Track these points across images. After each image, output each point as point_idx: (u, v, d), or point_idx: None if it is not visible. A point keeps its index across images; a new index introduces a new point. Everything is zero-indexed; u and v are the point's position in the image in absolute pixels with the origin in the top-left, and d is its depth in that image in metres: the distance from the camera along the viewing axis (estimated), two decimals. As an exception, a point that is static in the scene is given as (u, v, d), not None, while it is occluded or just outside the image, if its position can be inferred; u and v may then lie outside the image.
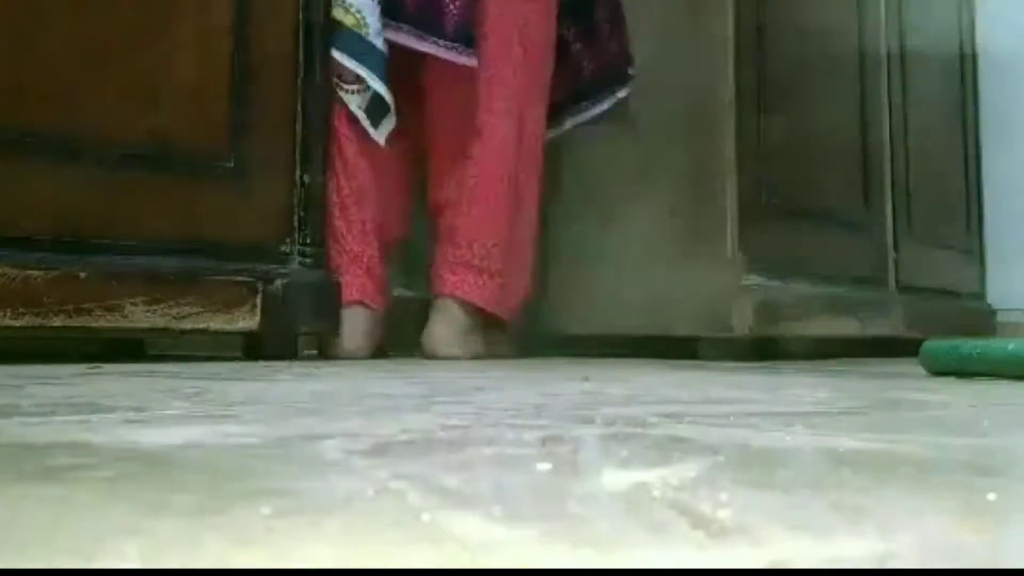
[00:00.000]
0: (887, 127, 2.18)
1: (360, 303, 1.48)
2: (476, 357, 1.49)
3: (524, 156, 1.57)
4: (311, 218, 1.37)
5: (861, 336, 1.94)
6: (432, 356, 1.48)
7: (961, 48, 2.56)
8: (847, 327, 1.89)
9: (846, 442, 0.46)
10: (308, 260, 1.36)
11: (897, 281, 2.13)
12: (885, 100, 2.19)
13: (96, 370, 0.99)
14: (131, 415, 0.55)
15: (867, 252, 2.07)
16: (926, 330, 1.97)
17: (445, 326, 1.50)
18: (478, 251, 1.52)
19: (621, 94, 1.71)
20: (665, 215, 1.68)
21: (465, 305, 1.52)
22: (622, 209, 1.75)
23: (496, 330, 1.58)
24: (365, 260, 1.50)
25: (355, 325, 1.46)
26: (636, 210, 1.73)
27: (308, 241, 1.36)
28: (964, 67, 2.57)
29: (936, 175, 2.38)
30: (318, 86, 1.39)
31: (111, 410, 0.58)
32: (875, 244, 2.10)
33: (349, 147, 1.49)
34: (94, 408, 0.59)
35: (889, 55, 2.23)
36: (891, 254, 2.13)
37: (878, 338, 1.97)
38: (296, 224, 1.36)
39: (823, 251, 1.87)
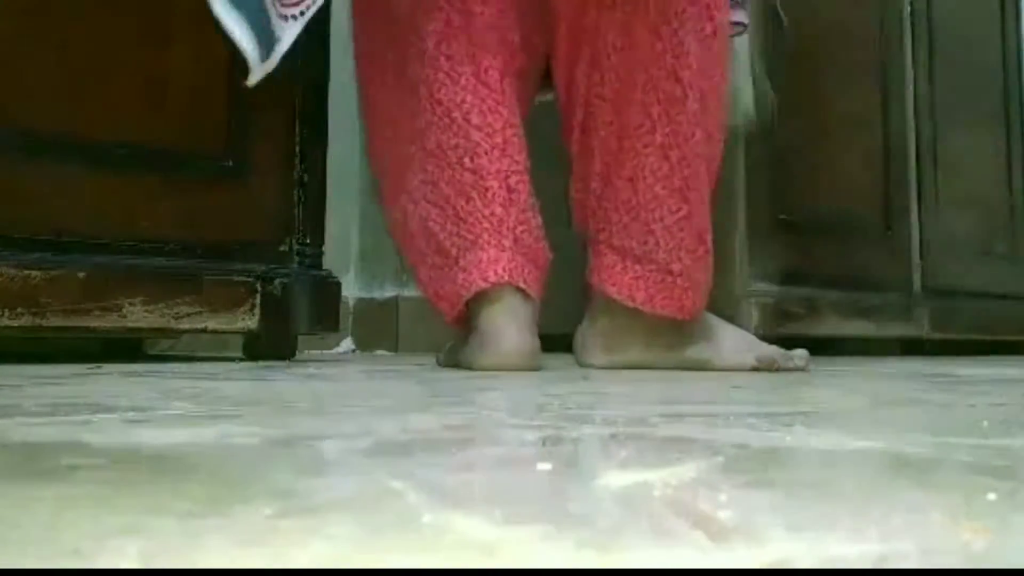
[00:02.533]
0: (913, 132, 2.19)
1: (511, 285, 1.15)
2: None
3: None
4: (310, 218, 1.37)
5: (884, 337, 1.99)
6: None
7: (1003, 37, 2.52)
8: (861, 329, 1.95)
9: (846, 442, 0.46)
10: (307, 260, 1.36)
11: (924, 284, 2.16)
12: (910, 105, 2.19)
13: (96, 370, 0.99)
14: (131, 415, 0.55)
15: (887, 257, 2.10)
16: (958, 332, 2.05)
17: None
18: None
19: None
20: None
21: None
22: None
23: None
24: (511, 226, 1.17)
25: (510, 316, 1.15)
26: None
27: (307, 241, 1.36)
28: (1006, 57, 2.53)
29: (971, 179, 2.37)
30: (317, 85, 1.39)
31: (111, 410, 0.57)
32: (897, 249, 2.12)
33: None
34: (94, 408, 0.59)
35: (915, 50, 2.22)
36: (916, 258, 2.15)
37: (902, 339, 2.01)
38: (295, 224, 1.36)
39: (836, 258, 1.95)
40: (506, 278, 1.14)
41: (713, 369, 1.17)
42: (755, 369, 1.17)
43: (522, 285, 1.15)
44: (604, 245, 1.19)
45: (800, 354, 1.18)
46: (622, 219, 1.18)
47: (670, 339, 1.20)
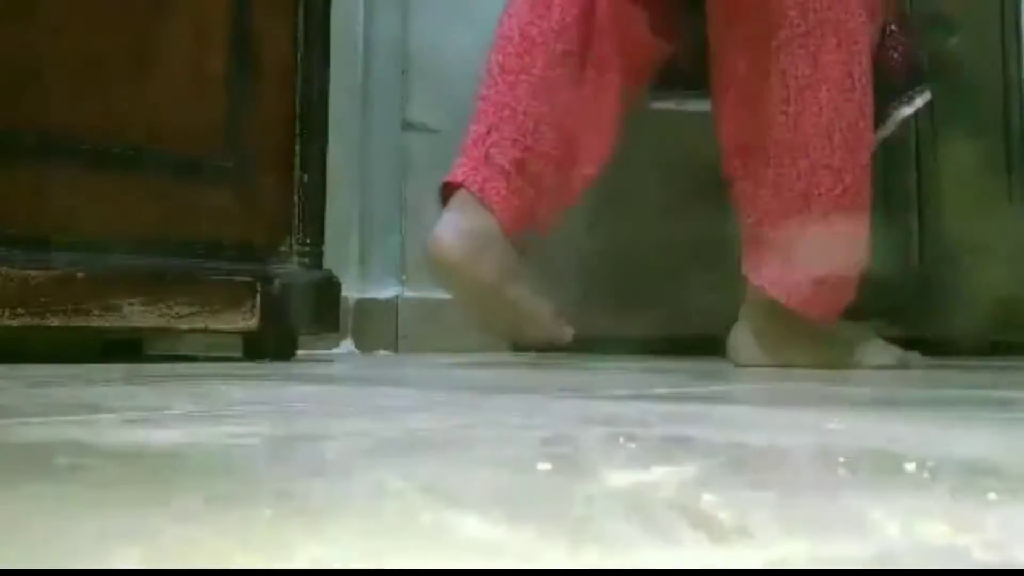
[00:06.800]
0: (913, 132, 2.19)
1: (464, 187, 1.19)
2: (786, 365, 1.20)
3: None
4: (310, 218, 1.37)
5: (884, 337, 1.99)
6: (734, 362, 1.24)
7: (1003, 35, 2.52)
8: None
9: (845, 442, 0.46)
10: (307, 260, 1.36)
11: (923, 284, 2.16)
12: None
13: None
14: (131, 415, 0.55)
15: (887, 257, 2.10)
16: (958, 332, 2.05)
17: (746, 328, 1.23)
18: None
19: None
20: (691, 231, 1.84)
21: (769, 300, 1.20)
22: (656, 225, 1.93)
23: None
24: (485, 147, 1.20)
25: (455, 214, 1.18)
26: (668, 226, 1.90)
27: (307, 241, 1.36)
28: (1006, 57, 2.52)
29: (971, 179, 2.37)
30: (317, 85, 1.39)
31: (111, 410, 0.58)
32: (897, 249, 2.12)
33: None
34: (94, 408, 0.59)
35: None
36: (916, 259, 2.16)
37: (902, 339, 2.02)
38: (295, 224, 1.36)
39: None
40: (476, 186, 1.18)
41: (859, 368, 1.20)
42: (887, 367, 1.21)
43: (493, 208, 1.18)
44: (765, 246, 1.21)
45: (917, 357, 1.27)
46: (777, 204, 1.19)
47: (825, 339, 1.22)
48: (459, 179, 1.19)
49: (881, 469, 0.38)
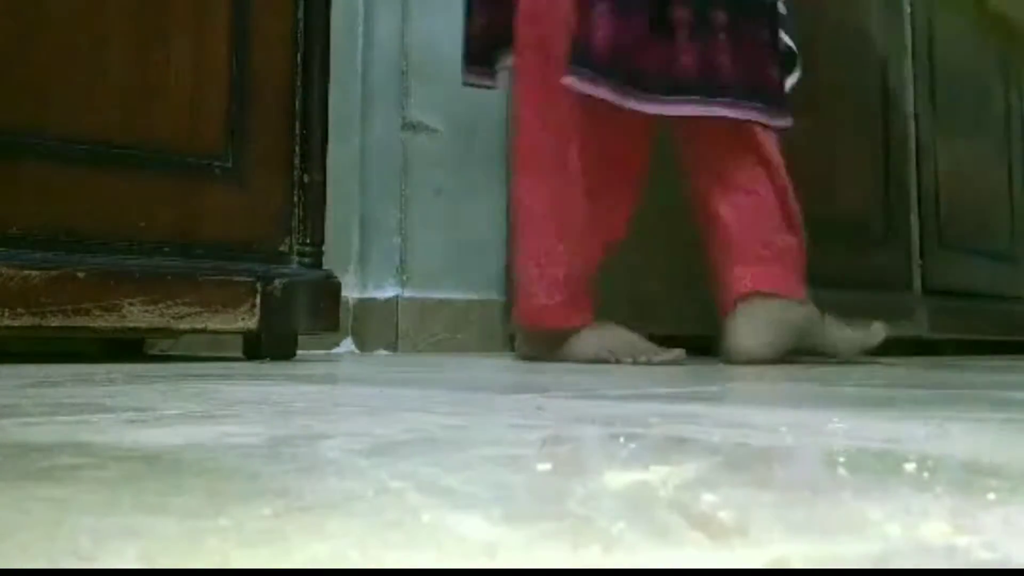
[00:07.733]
0: (913, 138, 2.19)
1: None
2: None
3: None
4: (310, 218, 1.37)
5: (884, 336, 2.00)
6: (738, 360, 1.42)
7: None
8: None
9: (845, 442, 0.46)
10: (307, 260, 1.36)
11: (924, 285, 2.16)
12: (910, 106, 2.20)
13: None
14: (131, 415, 0.55)
15: (887, 258, 2.10)
16: (958, 332, 2.06)
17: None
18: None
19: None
20: (688, 233, 1.84)
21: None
22: (653, 225, 1.92)
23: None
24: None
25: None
26: (665, 227, 1.89)
27: (307, 241, 1.36)
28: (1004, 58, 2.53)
29: (971, 182, 2.38)
30: (317, 85, 1.39)
31: (111, 410, 0.58)
32: (897, 250, 2.13)
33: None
34: (94, 408, 0.59)
35: (915, 52, 2.23)
36: (916, 259, 2.16)
37: (902, 339, 2.03)
38: (295, 224, 1.36)
39: (837, 259, 1.95)
40: None
41: (833, 356, 1.48)
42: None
43: None
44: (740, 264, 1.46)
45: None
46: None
47: (808, 328, 1.46)
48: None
49: (881, 469, 0.38)
